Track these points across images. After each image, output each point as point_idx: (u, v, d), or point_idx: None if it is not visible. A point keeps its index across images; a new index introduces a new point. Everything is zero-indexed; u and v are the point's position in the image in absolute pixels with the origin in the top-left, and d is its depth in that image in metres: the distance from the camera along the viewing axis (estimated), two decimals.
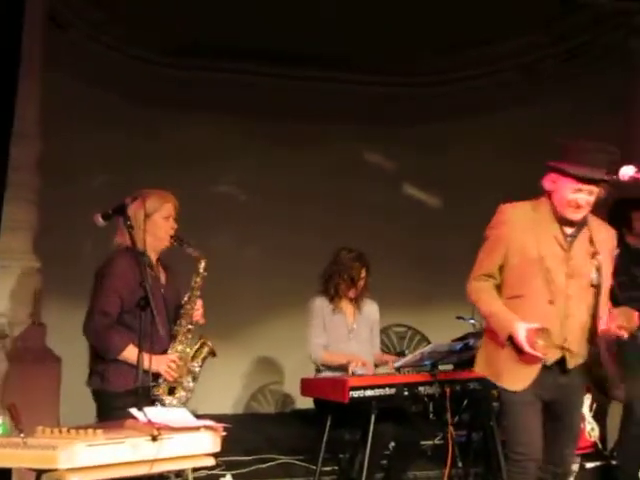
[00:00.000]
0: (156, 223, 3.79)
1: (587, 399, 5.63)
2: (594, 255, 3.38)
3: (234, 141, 7.41)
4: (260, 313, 7.30)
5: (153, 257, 3.84)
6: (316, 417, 4.76)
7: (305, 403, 5.59)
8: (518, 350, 3.34)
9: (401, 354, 5.10)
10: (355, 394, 4.31)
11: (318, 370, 4.92)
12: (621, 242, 5.18)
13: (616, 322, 3.31)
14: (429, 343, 5.88)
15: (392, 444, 4.76)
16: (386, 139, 7.76)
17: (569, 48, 6.78)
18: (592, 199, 3.37)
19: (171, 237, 3.83)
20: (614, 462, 5.42)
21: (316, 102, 7.46)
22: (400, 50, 7.00)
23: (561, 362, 3.42)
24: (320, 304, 4.96)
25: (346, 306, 5.00)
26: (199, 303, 3.86)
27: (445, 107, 7.52)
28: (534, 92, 6.95)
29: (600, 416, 5.80)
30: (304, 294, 5.08)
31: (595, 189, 3.34)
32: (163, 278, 3.88)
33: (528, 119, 6.88)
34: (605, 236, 3.51)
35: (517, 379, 3.41)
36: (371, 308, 5.10)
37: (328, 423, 4.56)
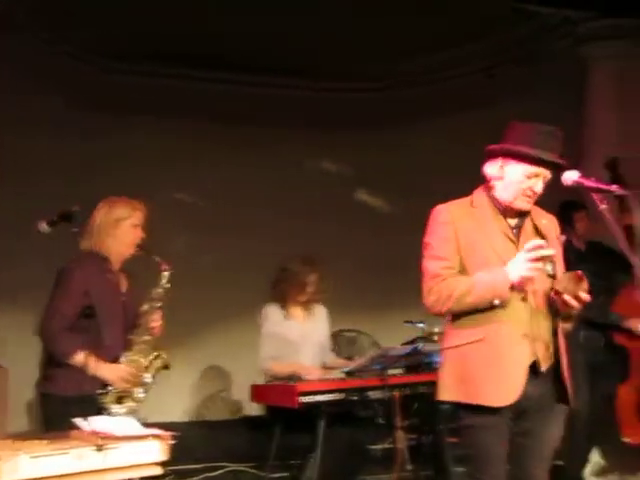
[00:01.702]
0: (124, 230, 3.77)
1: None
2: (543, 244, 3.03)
3: (185, 146, 7.36)
4: (210, 320, 7.26)
5: (116, 264, 3.81)
6: (267, 423, 4.75)
7: (256, 410, 5.58)
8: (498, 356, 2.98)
9: (350, 359, 5.11)
10: (305, 399, 4.32)
11: (269, 381, 4.91)
12: (565, 242, 5.29)
13: (557, 287, 2.97)
14: (379, 347, 5.91)
15: (343, 449, 4.77)
16: (339, 143, 7.77)
17: (522, 54, 6.87)
18: (543, 186, 3.09)
19: (138, 246, 3.80)
20: (559, 462, 5.50)
21: (268, 107, 7.44)
22: (354, 54, 7.03)
23: (533, 365, 3.03)
24: (271, 312, 4.95)
25: (297, 312, 5.00)
26: (158, 315, 3.83)
27: (399, 111, 7.56)
28: (489, 97, 7.02)
29: None
30: (255, 300, 5.07)
31: (549, 175, 3.07)
32: (125, 286, 3.85)
33: (483, 124, 6.94)
34: (548, 223, 3.20)
35: (503, 391, 2.96)
36: (320, 312, 5.10)
37: (278, 429, 4.56)
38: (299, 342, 4.93)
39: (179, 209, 7.39)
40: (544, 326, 3.05)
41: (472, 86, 7.15)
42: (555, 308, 3.03)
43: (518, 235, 3.11)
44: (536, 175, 3.04)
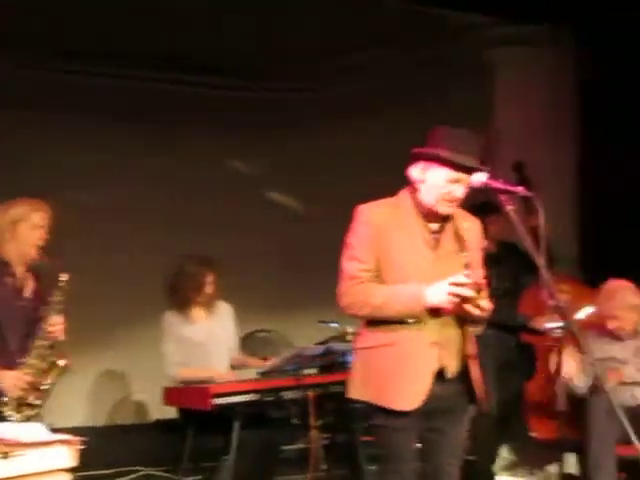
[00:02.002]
0: (22, 231, 3.66)
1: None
2: (461, 251, 3.09)
3: (91, 146, 7.19)
4: (120, 320, 7.14)
5: (19, 267, 3.70)
6: (179, 426, 4.71)
7: (168, 412, 5.51)
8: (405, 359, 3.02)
9: (265, 360, 5.10)
10: (219, 401, 4.30)
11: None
12: None
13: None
14: (293, 348, 5.92)
15: (257, 450, 4.76)
16: (257, 143, 7.74)
17: (430, 60, 6.96)
18: (465, 191, 3.08)
19: (39, 248, 3.69)
20: (470, 457, 5.61)
21: (183, 106, 7.35)
22: (273, 54, 7.02)
23: (440, 370, 3.07)
24: (169, 319, 4.88)
25: (197, 313, 4.94)
26: (59, 319, 3.73)
27: (318, 112, 7.58)
28: (400, 103, 7.08)
29: None
30: (163, 302, 5.01)
31: (469, 180, 3.05)
32: (30, 290, 3.74)
33: (389, 129, 7.04)
34: (470, 226, 3.19)
35: (408, 396, 3.01)
36: (224, 309, 5.04)
37: (191, 432, 4.52)
38: (205, 343, 4.87)
39: (83, 209, 7.22)
40: (454, 333, 3.09)
41: (383, 90, 7.21)
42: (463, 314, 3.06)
43: (438, 239, 3.11)
44: (457, 180, 3.03)
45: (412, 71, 7.09)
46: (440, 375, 3.05)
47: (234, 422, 4.37)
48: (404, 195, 3.15)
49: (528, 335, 5.16)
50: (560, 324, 3.04)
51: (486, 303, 2.98)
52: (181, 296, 4.86)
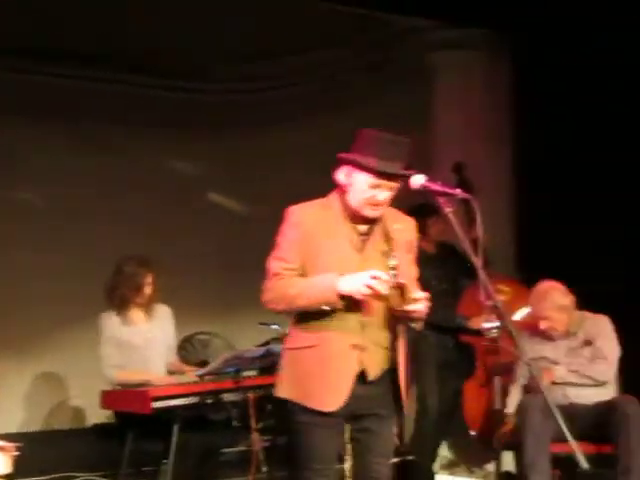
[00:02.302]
0: None
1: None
2: (388, 253, 3.08)
3: (25, 144, 7.06)
4: (57, 322, 7.03)
5: None
6: (118, 430, 4.65)
7: (106, 416, 5.45)
8: (328, 359, 3.06)
9: (205, 362, 5.07)
10: (158, 405, 4.25)
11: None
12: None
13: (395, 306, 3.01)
14: (233, 349, 5.89)
15: (198, 454, 4.73)
16: (193, 144, 7.69)
17: (371, 62, 7.00)
18: (391, 195, 3.09)
19: None
20: (410, 457, 5.65)
21: (120, 106, 7.27)
22: (212, 55, 6.98)
23: (361, 372, 3.09)
24: (107, 321, 4.81)
25: (136, 315, 4.88)
26: None
27: (253, 116, 7.56)
28: (340, 105, 7.10)
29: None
30: (101, 301, 4.94)
31: (394, 184, 3.07)
32: None
33: (332, 129, 7.04)
34: (402, 227, 3.19)
35: (329, 397, 3.06)
36: (163, 312, 5.00)
37: (130, 436, 4.47)
38: (143, 346, 4.82)
39: (18, 209, 7.10)
40: (379, 336, 3.11)
41: (321, 91, 7.23)
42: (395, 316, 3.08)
43: (366, 241, 3.13)
44: (378, 186, 3.05)
45: (354, 73, 7.13)
46: (363, 377, 3.08)
47: (173, 425, 4.33)
48: (333, 197, 3.18)
49: (467, 336, 5.22)
50: (497, 324, 3.06)
51: (419, 305, 3.00)
52: (120, 297, 4.80)
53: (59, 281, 6.90)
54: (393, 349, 3.14)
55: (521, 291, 5.20)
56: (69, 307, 6.88)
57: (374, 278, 2.94)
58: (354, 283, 2.97)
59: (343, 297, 3.00)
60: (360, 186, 3.06)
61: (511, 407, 4.63)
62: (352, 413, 3.12)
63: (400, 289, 2.96)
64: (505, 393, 4.75)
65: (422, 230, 5.29)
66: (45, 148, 7.10)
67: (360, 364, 3.07)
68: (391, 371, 3.14)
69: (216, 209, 7.97)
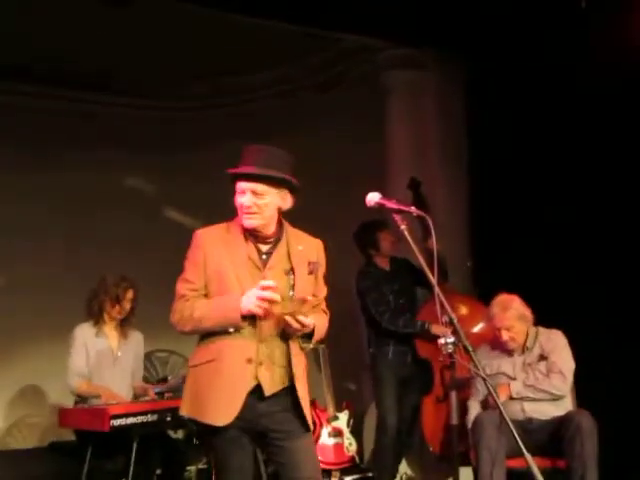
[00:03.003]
0: None
1: (345, 415, 5.89)
2: (288, 272, 3.17)
3: None
4: (15, 343, 6.95)
5: None
6: (76, 449, 4.62)
7: (66, 435, 5.39)
8: (232, 375, 3.08)
9: (164, 380, 5.07)
10: (116, 422, 4.23)
11: (77, 401, 4.79)
12: (369, 263, 5.50)
13: (280, 312, 3.05)
14: None
15: (158, 471, 4.71)
16: (149, 163, 7.67)
17: (324, 81, 7.05)
18: (262, 202, 3.13)
19: None
20: (370, 474, 5.68)
21: (77, 124, 7.24)
22: (158, 73, 6.99)
23: (258, 389, 3.12)
24: (81, 331, 4.88)
25: (110, 331, 4.93)
26: None
27: (206, 134, 7.57)
28: (294, 122, 7.12)
29: (358, 429, 6.07)
30: (64, 324, 4.94)
31: (260, 189, 3.13)
32: None
33: (288, 149, 7.05)
34: (305, 247, 3.25)
35: (222, 411, 3.07)
36: (136, 337, 5.07)
37: (88, 454, 4.44)
38: (111, 364, 4.86)
39: None
40: (278, 351, 3.15)
41: (274, 109, 7.26)
42: (290, 331, 3.12)
43: (267, 261, 3.19)
44: (242, 192, 3.16)
45: (306, 91, 7.18)
46: (261, 393, 3.10)
47: (133, 443, 4.32)
48: (236, 220, 3.25)
49: (425, 349, 5.25)
50: (452, 340, 3.10)
51: (308, 319, 3.06)
52: (98, 305, 4.88)
53: (20, 297, 6.84)
54: (290, 366, 3.15)
55: (477, 307, 5.26)
56: (28, 324, 6.81)
57: (264, 288, 3.01)
58: (249, 300, 3.04)
59: (245, 317, 3.07)
60: (236, 198, 3.19)
61: (470, 423, 4.68)
62: (254, 429, 3.13)
63: (302, 302, 3.04)
64: (462, 408, 4.79)
65: (374, 245, 5.41)
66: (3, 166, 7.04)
67: (255, 379, 3.10)
68: (290, 388, 3.16)
69: (171, 224, 7.94)
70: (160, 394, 4.60)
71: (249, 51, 6.50)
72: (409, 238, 3.03)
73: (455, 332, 3.11)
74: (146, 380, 5.38)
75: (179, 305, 3.19)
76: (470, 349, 3.06)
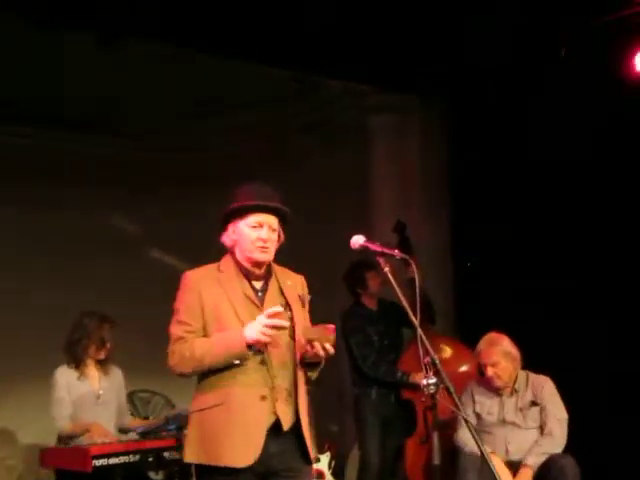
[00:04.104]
0: None
1: (326, 457, 5.86)
2: (285, 307, 3.15)
3: None
4: None
5: None
6: None
7: (44, 477, 5.34)
8: (243, 413, 3.02)
9: (146, 419, 5.05)
10: (98, 463, 4.21)
11: (60, 440, 4.76)
12: (357, 302, 5.53)
13: (309, 338, 3.04)
14: (173, 408, 5.85)
15: None
16: (129, 204, 7.68)
17: (308, 124, 7.13)
18: (274, 237, 3.19)
19: None
20: None
21: (55, 164, 7.25)
22: (143, 114, 7.04)
23: (276, 424, 3.08)
24: (62, 375, 4.83)
25: (92, 372, 4.91)
26: None
27: (191, 174, 7.61)
28: (276, 165, 7.16)
29: (339, 471, 6.05)
30: (44, 362, 4.93)
31: (274, 223, 3.18)
32: None
33: (275, 188, 7.08)
34: (292, 283, 3.28)
35: (241, 452, 3.00)
36: (116, 373, 5.05)
37: None
38: (95, 404, 4.84)
39: None
40: (287, 382, 3.13)
41: (258, 151, 7.31)
42: (302, 362, 3.13)
43: (263, 298, 3.19)
44: (259, 224, 3.15)
45: (290, 134, 7.25)
46: (275, 429, 3.06)
47: None
48: (227, 259, 3.24)
49: (408, 391, 5.27)
50: (434, 381, 3.13)
51: (330, 347, 3.04)
52: (81, 350, 4.84)
53: (11, 341, 6.80)
54: (297, 397, 3.13)
55: (462, 349, 5.30)
56: (11, 367, 6.76)
57: (271, 316, 3.00)
58: (253, 328, 3.00)
59: (250, 347, 3.03)
60: (246, 232, 3.16)
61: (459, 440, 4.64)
62: (267, 470, 3.08)
63: (327, 332, 3.02)
64: (445, 449, 4.78)
65: (362, 285, 5.45)
66: None
67: (273, 414, 3.07)
68: (297, 422, 3.13)
69: (157, 264, 7.94)
70: (142, 434, 4.58)
71: (234, 93, 6.58)
72: (392, 280, 3.06)
73: (437, 373, 3.13)
74: None
75: (177, 347, 3.13)
76: (452, 390, 3.08)
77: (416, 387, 5.07)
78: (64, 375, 4.83)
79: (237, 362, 3.05)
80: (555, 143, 5.50)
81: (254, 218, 3.16)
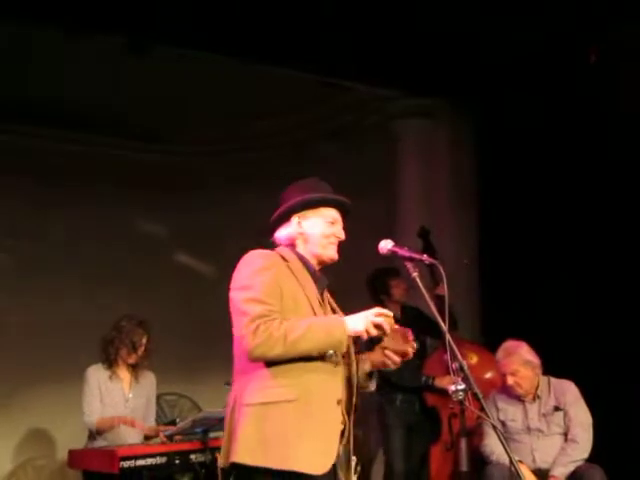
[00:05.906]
0: None
1: (352, 462, 5.85)
2: (337, 312, 3.02)
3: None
4: (26, 382, 6.95)
5: None
6: None
7: (73, 477, 5.38)
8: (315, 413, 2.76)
9: (172, 423, 5.08)
10: (126, 464, 4.24)
11: (90, 437, 4.82)
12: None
13: (392, 347, 2.94)
14: (200, 410, 5.88)
15: None
16: (155, 206, 7.74)
17: (336, 128, 7.14)
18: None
19: None
20: None
21: (90, 166, 7.33)
22: (172, 119, 7.09)
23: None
24: (94, 373, 4.92)
25: (124, 374, 4.99)
26: None
27: (219, 179, 7.66)
28: (304, 170, 7.15)
29: (364, 477, 6.03)
30: (78, 364, 4.96)
31: (340, 220, 3.06)
32: None
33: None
34: (326, 293, 3.08)
35: (319, 458, 2.74)
36: (148, 379, 5.10)
37: None
38: (123, 406, 4.91)
39: None
40: (352, 391, 2.95)
41: (286, 156, 7.32)
42: (363, 369, 3.04)
43: (322, 295, 3.01)
44: (335, 221, 3.02)
45: (318, 139, 7.26)
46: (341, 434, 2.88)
47: None
48: (284, 250, 2.99)
49: (432, 397, 5.26)
50: (462, 387, 3.12)
51: (411, 351, 2.97)
52: (114, 351, 4.91)
53: (29, 340, 6.87)
54: (355, 404, 2.98)
55: (487, 356, 5.28)
56: (41, 367, 6.83)
57: (379, 315, 2.83)
58: (361, 320, 2.79)
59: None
60: (319, 228, 2.99)
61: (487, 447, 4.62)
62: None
63: (405, 337, 2.97)
64: (471, 456, 4.77)
65: (386, 292, 5.44)
66: (17, 208, 7.12)
67: (343, 422, 2.88)
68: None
69: (184, 269, 7.99)
70: (169, 437, 4.60)
71: (262, 98, 6.61)
72: (421, 285, 3.05)
73: (465, 379, 3.12)
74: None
75: (263, 324, 2.70)
76: (480, 396, 3.05)
77: (441, 391, 5.09)
78: (96, 373, 4.92)
79: (331, 353, 2.80)
80: (587, 148, 5.47)
81: (331, 213, 3.01)
